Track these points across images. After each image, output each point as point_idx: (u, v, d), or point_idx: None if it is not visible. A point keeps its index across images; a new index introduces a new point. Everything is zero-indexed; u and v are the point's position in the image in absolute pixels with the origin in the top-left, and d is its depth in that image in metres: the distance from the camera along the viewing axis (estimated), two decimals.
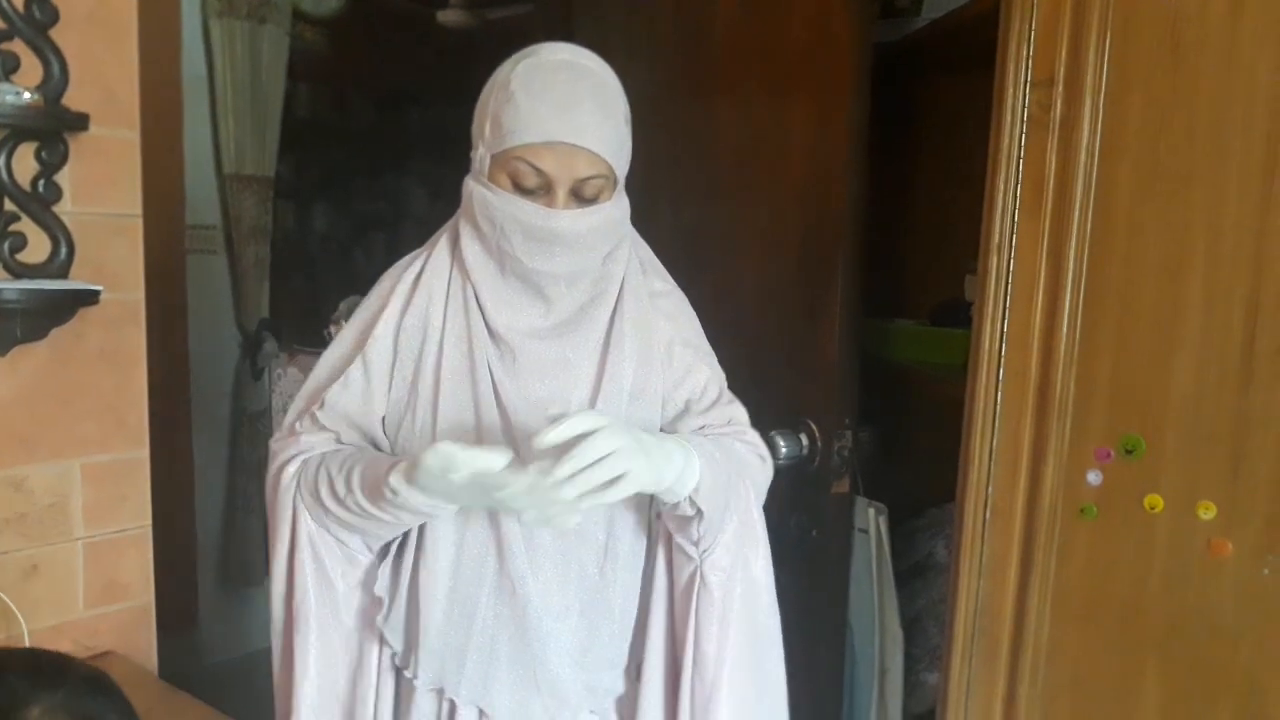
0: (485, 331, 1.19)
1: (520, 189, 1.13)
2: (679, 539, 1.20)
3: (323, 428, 1.22)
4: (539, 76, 1.12)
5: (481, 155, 1.17)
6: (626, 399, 1.21)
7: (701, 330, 1.33)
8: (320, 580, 1.22)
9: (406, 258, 1.27)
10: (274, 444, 1.26)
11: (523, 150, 1.11)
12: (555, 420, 1.01)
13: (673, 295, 1.31)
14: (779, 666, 1.30)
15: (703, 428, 1.25)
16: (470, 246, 1.19)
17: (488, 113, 1.15)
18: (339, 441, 1.23)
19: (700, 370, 1.28)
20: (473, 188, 1.18)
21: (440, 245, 1.24)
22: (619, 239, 1.22)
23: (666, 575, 1.25)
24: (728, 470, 1.17)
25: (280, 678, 1.26)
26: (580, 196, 1.13)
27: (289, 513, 1.22)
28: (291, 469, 1.21)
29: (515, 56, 1.16)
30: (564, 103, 1.10)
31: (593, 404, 1.20)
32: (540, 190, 1.13)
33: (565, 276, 1.17)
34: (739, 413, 1.30)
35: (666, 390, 1.25)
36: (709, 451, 1.15)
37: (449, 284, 1.22)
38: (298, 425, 1.24)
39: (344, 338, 1.25)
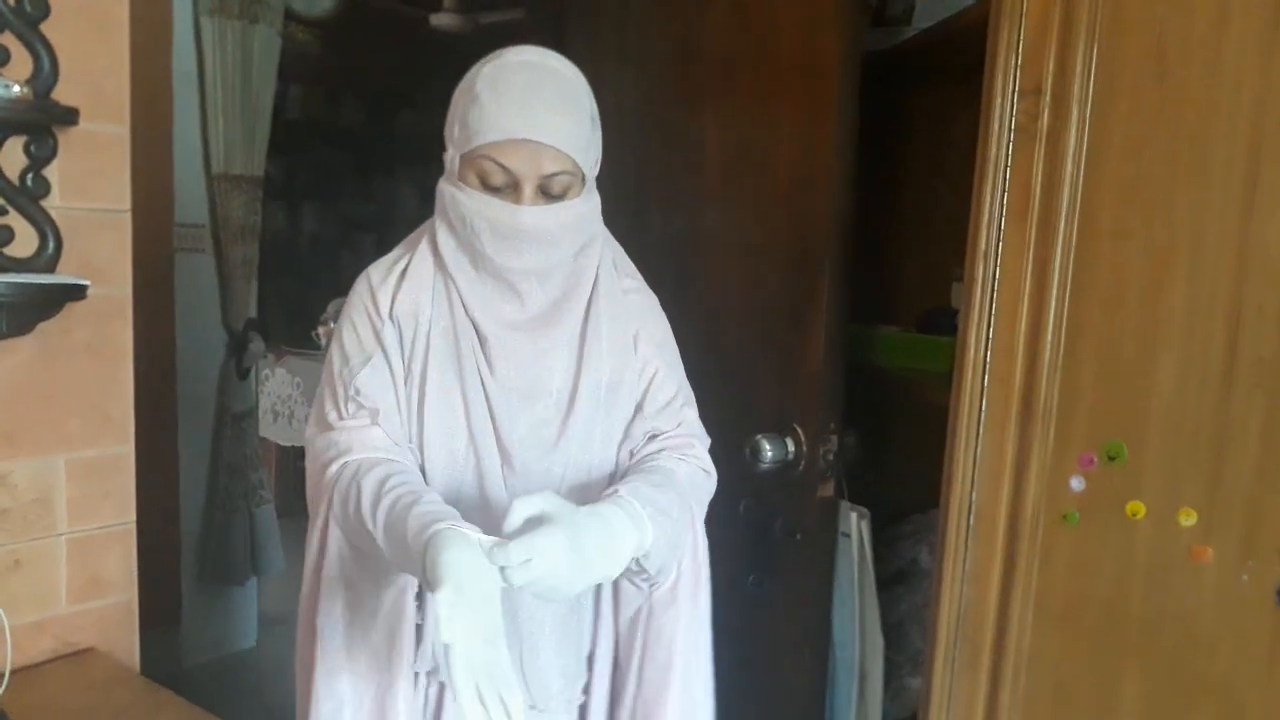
0: (469, 324, 1.22)
1: (488, 187, 1.16)
2: (628, 577, 1.22)
3: (366, 410, 1.20)
4: (503, 77, 1.15)
5: (451, 156, 1.20)
6: (604, 390, 1.25)
7: (669, 330, 1.35)
8: (349, 601, 1.20)
9: (389, 255, 1.30)
10: (316, 439, 1.23)
11: (488, 149, 1.13)
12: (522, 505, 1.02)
13: (642, 293, 1.34)
14: (707, 687, 1.35)
15: (654, 434, 1.29)
16: (446, 245, 1.22)
17: (456, 115, 1.18)
18: (378, 423, 1.21)
19: (657, 369, 1.30)
20: (444, 188, 1.21)
21: (422, 244, 1.26)
22: (589, 236, 1.25)
23: (613, 595, 1.30)
24: (678, 520, 1.19)
25: (304, 679, 1.24)
26: (548, 193, 1.16)
27: (320, 521, 1.21)
28: (332, 470, 1.19)
29: (483, 60, 1.19)
30: (527, 101, 1.13)
31: (572, 396, 1.23)
32: (507, 187, 1.15)
33: (536, 272, 1.20)
34: (690, 414, 1.33)
35: (639, 386, 1.29)
36: (662, 508, 1.15)
37: (434, 279, 1.24)
38: (344, 410, 1.21)
39: (352, 327, 1.25)
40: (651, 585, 1.24)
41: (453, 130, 1.19)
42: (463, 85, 1.19)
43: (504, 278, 1.19)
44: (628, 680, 1.28)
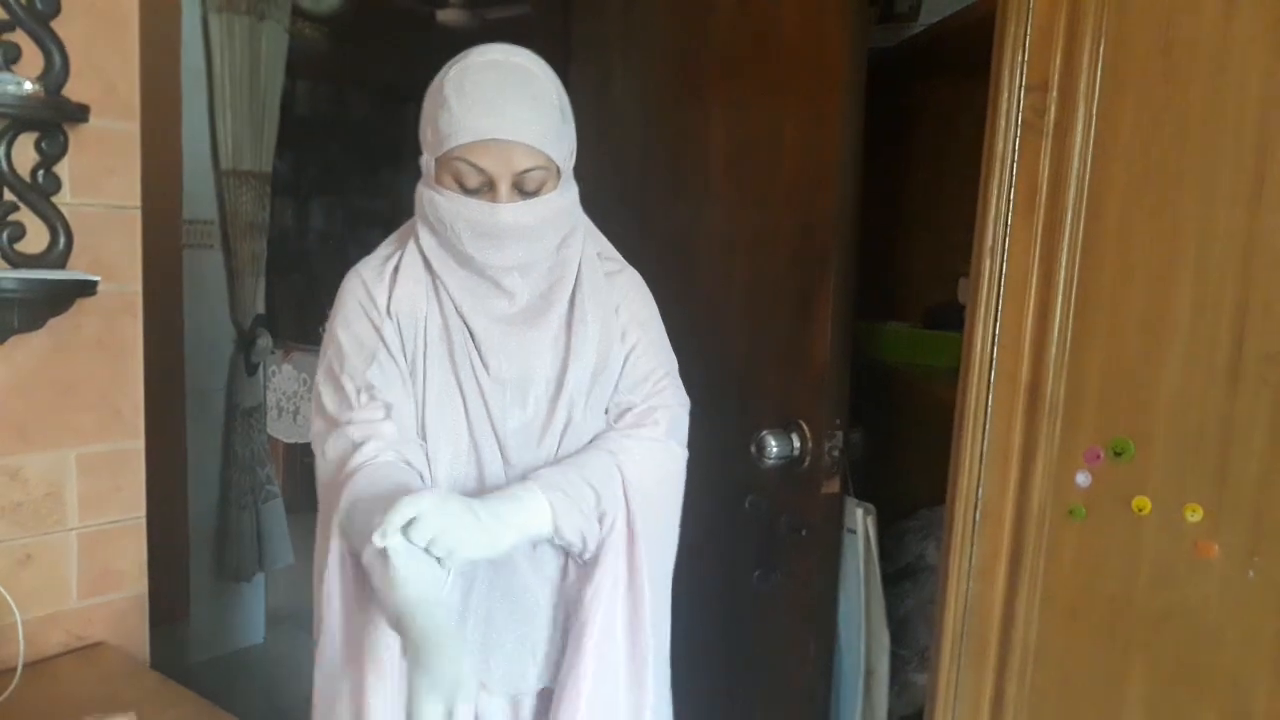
0: (460, 320, 1.23)
1: (464, 188, 1.17)
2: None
3: (380, 403, 1.22)
4: (468, 78, 1.16)
5: (427, 160, 1.22)
6: (590, 377, 1.26)
7: (654, 306, 1.37)
8: (346, 610, 1.21)
9: (376, 253, 1.31)
10: (327, 437, 1.24)
11: (461, 151, 1.15)
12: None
13: (626, 273, 1.35)
14: (639, 675, 1.31)
15: (626, 409, 1.30)
16: (429, 245, 1.24)
17: (428, 119, 1.20)
18: (390, 416, 1.22)
19: (636, 342, 1.31)
20: (422, 192, 1.22)
21: (411, 241, 1.27)
22: (569, 228, 1.27)
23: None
24: (590, 497, 1.21)
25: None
26: (523, 189, 1.18)
27: (326, 528, 1.22)
28: (350, 465, 1.19)
29: (450, 62, 1.20)
30: (493, 100, 1.14)
31: (560, 383, 1.25)
32: (483, 187, 1.17)
33: (518, 268, 1.22)
34: (669, 385, 1.34)
35: (619, 362, 1.30)
36: (570, 484, 1.20)
37: (424, 276, 1.25)
38: (356, 401, 1.22)
39: (347, 324, 1.26)
40: (584, 559, 1.26)
41: (425, 134, 1.21)
42: (432, 88, 1.20)
43: (487, 275, 1.22)
44: (563, 658, 1.28)
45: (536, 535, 1.18)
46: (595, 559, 1.25)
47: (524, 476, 1.21)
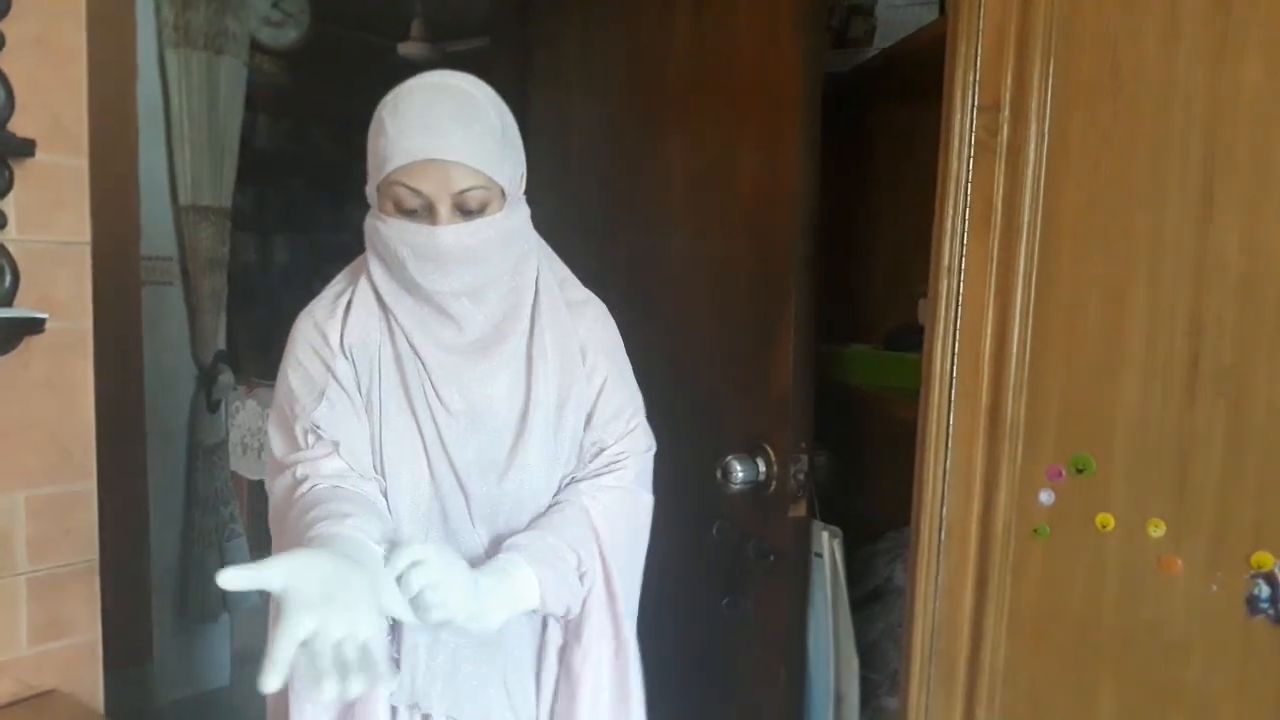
0: (411, 351, 1.21)
1: (404, 212, 1.15)
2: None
3: (326, 441, 1.20)
4: (403, 101, 1.15)
5: (370, 189, 1.20)
6: (554, 410, 1.24)
7: (619, 337, 1.36)
8: None
9: (327, 292, 1.30)
10: (275, 479, 1.23)
11: (398, 174, 1.13)
12: (397, 554, 1.04)
13: (592, 304, 1.34)
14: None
15: (601, 447, 1.29)
16: (378, 276, 1.22)
17: (369, 146, 1.18)
18: (339, 454, 1.20)
19: (607, 377, 1.31)
20: (368, 222, 1.21)
21: (362, 277, 1.26)
22: (520, 252, 1.24)
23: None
24: (573, 561, 1.21)
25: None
26: (465, 210, 1.15)
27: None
28: (293, 499, 1.18)
29: (391, 90, 1.19)
30: (426, 121, 1.13)
31: (523, 420, 1.23)
32: (423, 210, 1.15)
33: (466, 293, 1.19)
34: (638, 423, 1.34)
35: (588, 396, 1.29)
36: (555, 555, 1.19)
37: (377, 309, 1.24)
38: (303, 443, 1.21)
39: (299, 365, 1.24)
40: (566, 622, 1.26)
41: (368, 163, 1.19)
42: (373, 117, 1.19)
43: (434, 302, 1.19)
44: (555, 713, 1.28)
45: (524, 610, 1.17)
46: (580, 620, 1.25)
47: (502, 545, 1.20)
